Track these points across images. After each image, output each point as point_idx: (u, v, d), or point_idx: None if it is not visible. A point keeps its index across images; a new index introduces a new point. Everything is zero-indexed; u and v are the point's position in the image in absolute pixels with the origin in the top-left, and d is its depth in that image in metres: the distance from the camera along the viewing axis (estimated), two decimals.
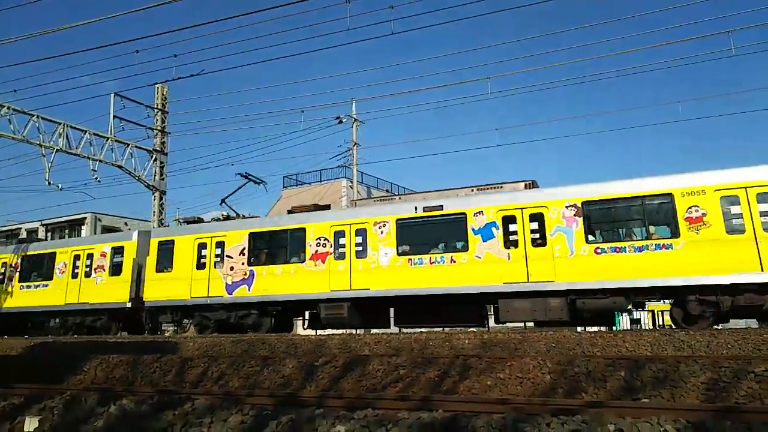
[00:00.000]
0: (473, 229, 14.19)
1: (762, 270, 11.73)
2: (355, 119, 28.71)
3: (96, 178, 23.55)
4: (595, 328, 16.29)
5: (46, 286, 20.90)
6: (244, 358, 11.03)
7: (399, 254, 14.78)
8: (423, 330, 14.47)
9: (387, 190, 35.60)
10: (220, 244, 17.12)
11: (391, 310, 15.93)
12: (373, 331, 17.32)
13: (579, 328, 15.66)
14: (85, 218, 40.88)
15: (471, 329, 15.28)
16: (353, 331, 16.90)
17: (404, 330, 15.74)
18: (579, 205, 13.42)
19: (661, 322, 23.80)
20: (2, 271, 22.23)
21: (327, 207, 19.68)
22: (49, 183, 21.71)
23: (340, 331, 16.39)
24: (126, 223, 42.12)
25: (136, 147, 25.77)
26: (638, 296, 13.36)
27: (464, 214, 14.39)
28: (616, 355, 9.49)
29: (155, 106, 27.22)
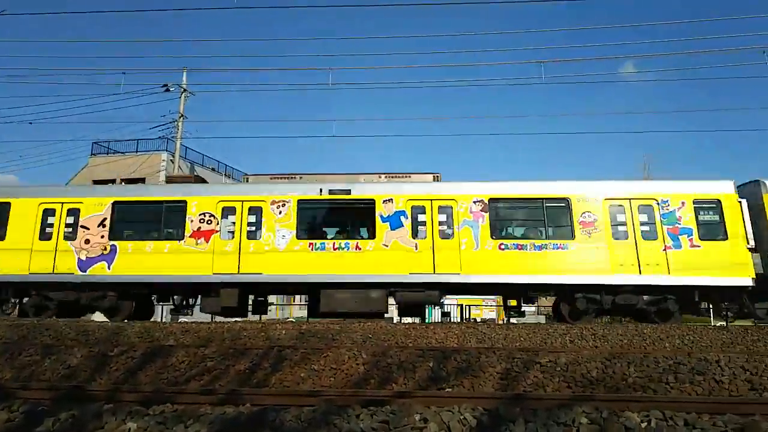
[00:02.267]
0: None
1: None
2: (185, 89, 26.68)
3: None
4: (410, 320, 17.09)
5: None
6: (21, 345, 9.50)
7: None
8: (238, 319, 13.95)
9: (213, 168, 33.78)
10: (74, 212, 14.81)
11: None
12: (182, 319, 16.16)
13: (395, 320, 16.25)
14: None
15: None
16: (157, 319, 15.57)
17: (217, 319, 14.94)
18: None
19: (467, 316, 25.95)
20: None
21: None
22: None
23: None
24: None
25: None
26: None
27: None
28: (427, 346, 9.92)
29: None
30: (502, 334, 11.13)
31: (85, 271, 13.91)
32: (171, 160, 27.75)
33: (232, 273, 13.48)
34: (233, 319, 14.56)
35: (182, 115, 26.65)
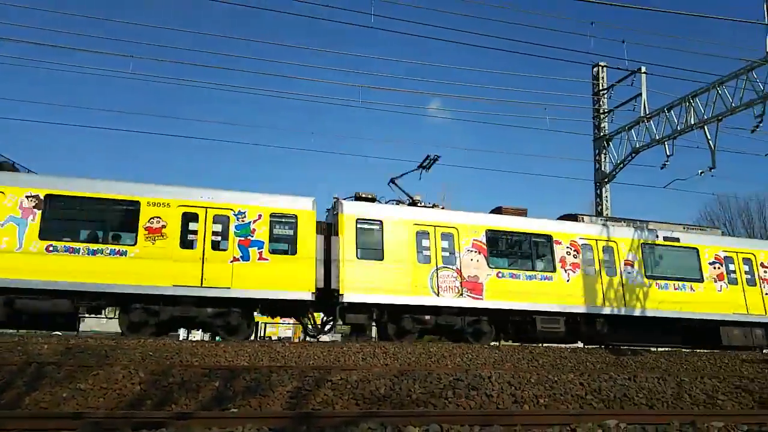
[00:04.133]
0: None
1: None
2: None
3: None
4: (198, 337, 16.08)
5: None
6: None
7: None
8: None
9: None
10: None
11: None
12: None
13: (181, 336, 15.15)
14: None
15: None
16: None
17: None
18: None
19: (262, 334, 25.63)
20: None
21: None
22: None
23: None
24: None
25: None
26: None
27: None
28: (215, 365, 9.34)
29: None
30: (296, 352, 10.99)
31: None
32: None
33: None
34: None
35: None
